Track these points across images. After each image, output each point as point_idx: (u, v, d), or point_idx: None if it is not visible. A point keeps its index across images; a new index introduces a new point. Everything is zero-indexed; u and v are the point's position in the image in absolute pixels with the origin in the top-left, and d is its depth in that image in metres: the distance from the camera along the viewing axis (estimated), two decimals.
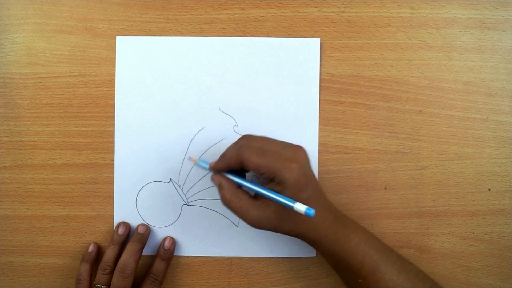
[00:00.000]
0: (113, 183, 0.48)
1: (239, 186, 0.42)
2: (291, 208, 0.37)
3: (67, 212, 0.49)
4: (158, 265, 0.47)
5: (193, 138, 0.48)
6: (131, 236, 0.47)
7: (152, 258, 0.48)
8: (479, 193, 0.49)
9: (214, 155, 0.48)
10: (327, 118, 0.48)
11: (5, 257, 0.49)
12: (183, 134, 0.48)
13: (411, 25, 0.48)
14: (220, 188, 0.42)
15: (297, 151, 0.40)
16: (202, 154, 0.48)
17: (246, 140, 0.41)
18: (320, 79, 0.48)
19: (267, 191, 0.39)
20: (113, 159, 0.48)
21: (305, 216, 0.38)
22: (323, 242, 0.41)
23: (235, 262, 0.49)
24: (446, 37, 0.48)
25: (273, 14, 0.48)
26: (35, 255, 0.49)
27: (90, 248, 0.48)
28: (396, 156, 0.49)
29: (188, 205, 0.48)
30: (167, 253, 0.47)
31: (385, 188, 0.49)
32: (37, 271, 0.49)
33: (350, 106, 0.48)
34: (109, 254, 0.46)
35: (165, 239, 0.48)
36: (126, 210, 0.48)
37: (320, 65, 0.48)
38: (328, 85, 0.48)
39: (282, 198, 0.38)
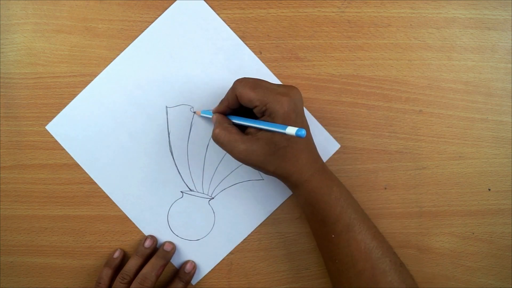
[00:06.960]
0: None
1: (234, 124, 0.43)
2: (283, 132, 0.35)
3: (67, 212, 0.49)
4: (176, 285, 0.47)
5: (172, 150, 0.48)
6: (157, 251, 0.48)
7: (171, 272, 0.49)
8: (479, 193, 0.49)
9: (193, 147, 0.48)
10: (327, 118, 0.48)
11: (5, 257, 0.49)
12: (154, 147, 0.48)
13: (411, 25, 0.48)
14: (214, 124, 0.43)
15: (291, 89, 0.41)
16: (187, 150, 0.48)
17: (242, 79, 0.42)
18: (320, 79, 0.48)
19: (259, 122, 0.39)
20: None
21: (292, 155, 0.39)
22: (305, 187, 0.42)
23: (235, 262, 0.49)
24: (446, 37, 0.48)
25: (273, 14, 0.48)
26: (35, 255, 0.49)
27: (116, 254, 0.48)
28: (396, 156, 0.49)
29: (213, 198, 0.48)
30: (187, 276, 0.48)
31: (385, 188, 0.49)
32: (37, 271, 0.49)
33: (350, 106, 0.48)
34: (131, 264, 0.46)
35: (186, 262, 0.48)
36: (155, 225, 0.49)
37: (318, 64, 0.48)
38: (328, 85, 0.48)
39: (273, 125, 0.38)
